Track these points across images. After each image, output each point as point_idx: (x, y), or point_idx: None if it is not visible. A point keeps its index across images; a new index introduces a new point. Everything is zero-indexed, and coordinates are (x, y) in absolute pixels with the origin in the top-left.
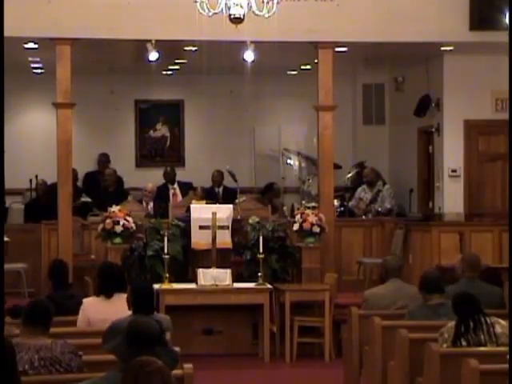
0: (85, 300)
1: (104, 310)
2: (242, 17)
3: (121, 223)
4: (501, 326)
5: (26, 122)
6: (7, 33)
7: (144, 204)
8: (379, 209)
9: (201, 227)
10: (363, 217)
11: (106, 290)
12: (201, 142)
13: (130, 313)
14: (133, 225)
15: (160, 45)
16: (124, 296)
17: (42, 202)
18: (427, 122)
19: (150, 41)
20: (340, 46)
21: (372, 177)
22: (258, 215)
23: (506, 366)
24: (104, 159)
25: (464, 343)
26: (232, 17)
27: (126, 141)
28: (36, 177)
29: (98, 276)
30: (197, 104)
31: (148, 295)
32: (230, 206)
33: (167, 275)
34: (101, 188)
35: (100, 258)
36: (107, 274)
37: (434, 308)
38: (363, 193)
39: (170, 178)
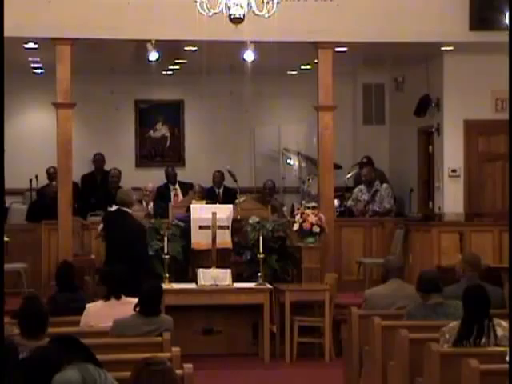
0: (88, 305)
1: (108, 315)
2: (242, 17)
3: None
4: (502, 328)
5: (25, 122)
6: (7, 33)
7: (144, 204)
8: (377, 208)
9: (201, 227)
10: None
11: (114, 294)
12: (201, 142)
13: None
14: None
15: (160, 45)
16: (129, 300)
17: (46, 201)
18: (427, 122)
19: (150, 41)
20: (340, 46)
21: (371, 176)
22: (258, 215)
23: (506, 366)
24: (100, 158)
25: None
26: (232, 17)
27: (125, 141)
28: (36, 177)
29: (104, 281)
30: (197, 104)
31: (156, 296)
32: (230, 206)
33: (167, 275)
34: (98, 187)
35: (100, 257)
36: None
37: (433, 307)
38: (360, 193)
39: (171, 178)
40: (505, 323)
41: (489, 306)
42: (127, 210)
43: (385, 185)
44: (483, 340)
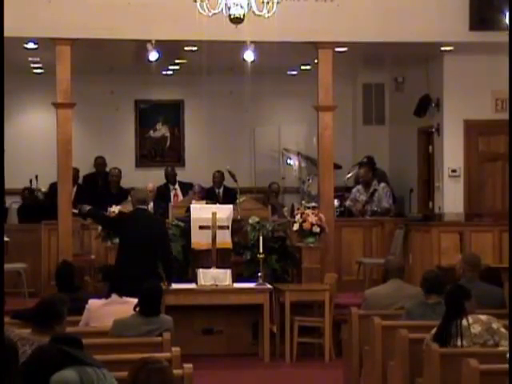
0: (90, 301)
1: (109, 313)
2: (241, 17)
3: None
4: (480, 323)
5: (26, 122)
6: (7, 33)
7: None
8: (375, 208)
9: (201, 227)
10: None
11: (115, 292)
12: (201, 142)
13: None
14: None
15: (160, 45)
16: (130, 300)
17: (40, 203)
18: (427, 122)
19: (150, 41)
20: (340, 46)
21: (368, 177)
22: (258, 215)
23: (506, 365)
24: (101, 162)
25: None
26: (232, 17)
27: (125, 141)
28: (36, 177)
29: (106, 278)
30: (197, 104)
31: (156, 296)
32: (230, 206)
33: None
34: (99, 189)
35: (100, 258)
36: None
37: (432, 307)
38: (358, 193)
39: (171, 178)
40: (484, 317)
41: (462, 303)
42: (144, 207)
43: (383, 184)
44: (460, 342)
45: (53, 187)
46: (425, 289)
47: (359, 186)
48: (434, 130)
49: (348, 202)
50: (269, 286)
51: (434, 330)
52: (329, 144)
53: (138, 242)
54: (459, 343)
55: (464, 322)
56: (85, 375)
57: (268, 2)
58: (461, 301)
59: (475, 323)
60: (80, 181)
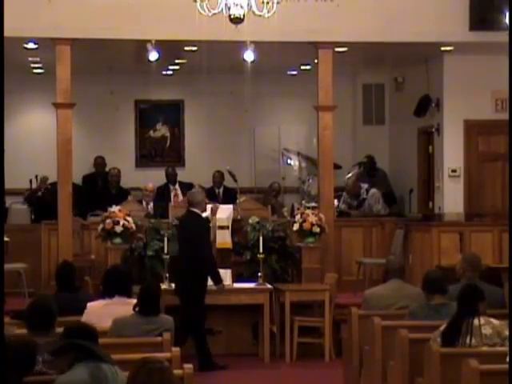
0: (89, 304)
1: (109, 314)
2: (241, 17)
3: (121, 223)
4: (491, 326)
5: (26, 122)
6: (7, 33)
7: (144, 204)
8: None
9: None
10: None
11: (111, 293)
12: (201, 142)
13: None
14: (133, 225)
15: (160, 45)
16: (131, 301)
17: (45, 202)
18: (427, 122)
19: (150, 41)
20: (340, 46)
21: (355, 191)
22: (258, 215)
23: (506, 366)
24: (101, 162)
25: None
26: (232, 17)
27: (125, 141)
28: (36, 177)
29: (105, 279)
30: (197, 104)
31: (155, 296)
32: (230, 206)
33: (167, 275)
34: (98, 189)
35: (100, 258)
36: (114, 277)
37: (436, 308)
38: (349, 199)
39: (172, 178)
40: (496, 321)
41: (475, 304)
42: (195, 209)
43: (372, 191)
44: (470, 341)
45: (47, 188)
46: (427, 290)
47: (346, 195)
48: (434, 129)
49: (342, 206)
50: (269, 286)
51: (442, 327)
52: (329, 144)
53: (181, 242)
54: (468, 341)
55: (476, 321)
56: (98, 372)
57: (268, 2)
58: (475, 302)
59: (486, 324)
60: (78, 181)
